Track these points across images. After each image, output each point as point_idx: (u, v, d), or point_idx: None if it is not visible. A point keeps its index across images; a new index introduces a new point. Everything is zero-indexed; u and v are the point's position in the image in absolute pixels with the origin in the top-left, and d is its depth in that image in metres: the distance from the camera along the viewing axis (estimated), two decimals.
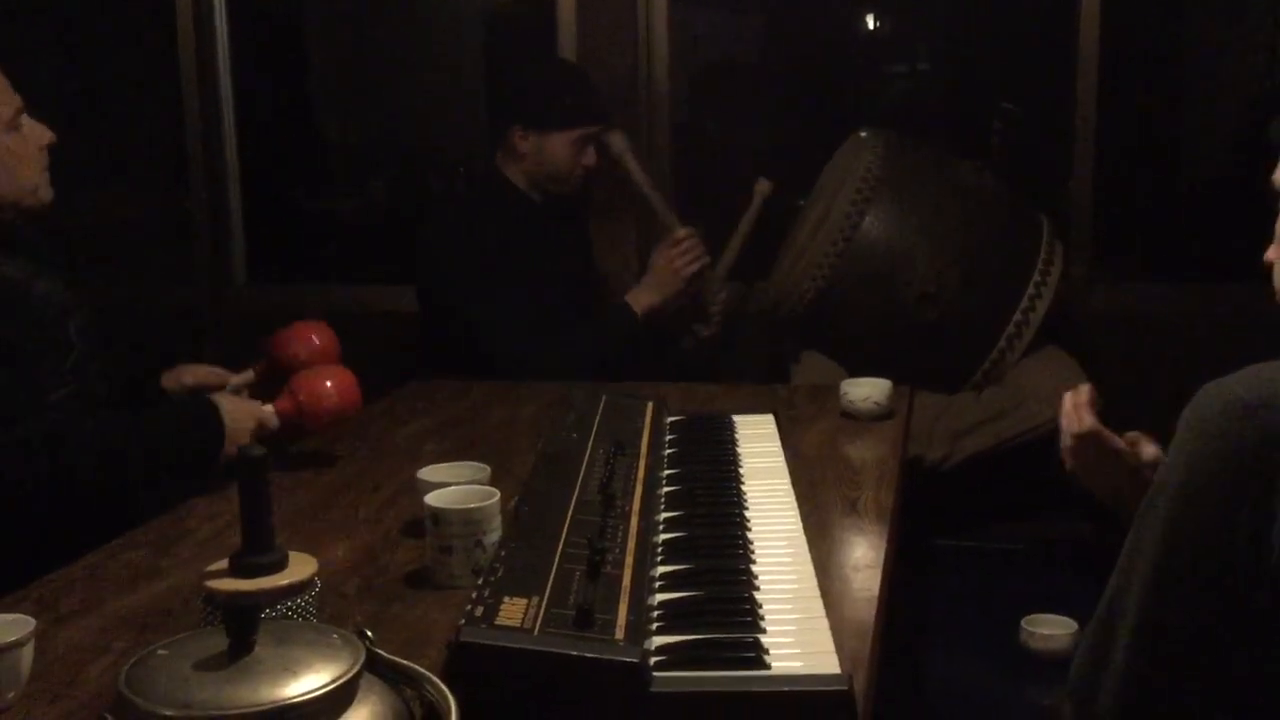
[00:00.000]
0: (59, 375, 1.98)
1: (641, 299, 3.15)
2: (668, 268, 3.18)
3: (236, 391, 2.30)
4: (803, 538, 1.75)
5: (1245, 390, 1.20)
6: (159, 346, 2.55)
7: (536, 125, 3.10)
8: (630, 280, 3.32)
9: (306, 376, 2.23)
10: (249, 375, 2.35)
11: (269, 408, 2.19)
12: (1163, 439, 1.71)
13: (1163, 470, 1.26)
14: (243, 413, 2.16)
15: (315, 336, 2.34)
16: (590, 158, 3.15)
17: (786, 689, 1.27)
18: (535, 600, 1.35)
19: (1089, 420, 1.73)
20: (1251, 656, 1.21)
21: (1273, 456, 1.16)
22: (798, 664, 1.36)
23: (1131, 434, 1.73)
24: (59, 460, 1.97)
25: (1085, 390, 1.77)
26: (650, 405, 2.27)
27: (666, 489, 1.91)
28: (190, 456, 2.10)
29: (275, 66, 4.58)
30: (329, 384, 2.22)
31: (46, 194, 2.16)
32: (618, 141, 3.29)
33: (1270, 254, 1.45)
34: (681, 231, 3.22)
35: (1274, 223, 1.44)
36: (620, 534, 1.60)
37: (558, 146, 3.11)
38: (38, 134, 2.15)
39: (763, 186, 3.37)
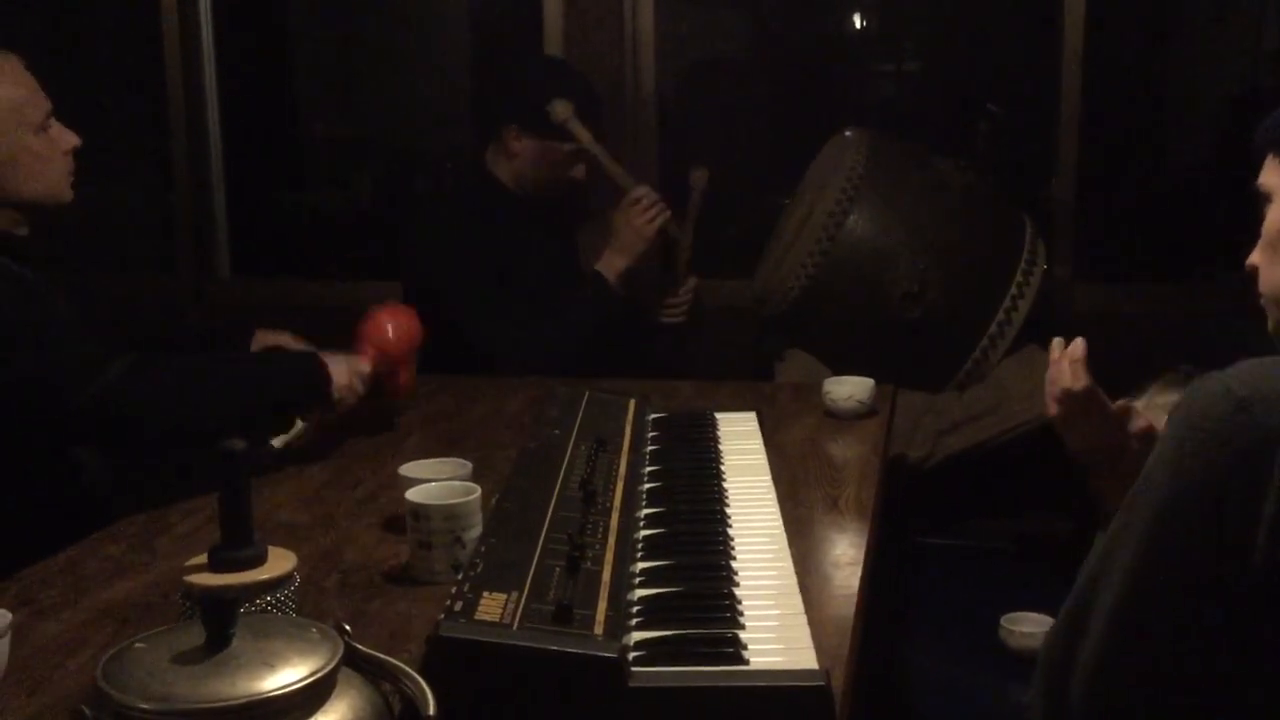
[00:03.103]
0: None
1: (612, 264, 3.09)
2: (629, 226, 3.10)
3: None
4: (783, 534, 1.75)
5: (1239, 384, 1.19)
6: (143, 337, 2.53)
7: (534, 129, 3.08)
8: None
9: (367, 325, 2.40)
10: None
11: (356, 357, 2.33)
12: None
13: (1152, 462, 1.24)
14: (339, 362, 2.28)
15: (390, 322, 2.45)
16: (581, 173, 3.12)
17: (764, 684, 1.28)
18: (515, 595, 1.35)
19: (1085, 378, 1.73)
20: (1226, 654, 1.21)
21: (1264, 452, 1.15)
22: (776, 660, 1.36)
23: (1123, 401, 1.74)
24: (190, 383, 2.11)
25: (1080, 345, 1.77)
26: (632, 402, 2.27)
27: (648, 485, 1.91)
28: (302, 394, 2.24)
29: (260, 61, 4.56)
30: (384, 316, 2.41)
31: (66, 196, 2.19)
32: (561, 109, 3.10)
33: (1253, 258, 1.44)
34: (638, 190, 3.16)
35: (1258, 227, 1.44)
36: (601, 530, 1.61)
37: (550, 155, 3.09)
38: (64, 138, 2.18)
39: (698, 177, 3.33)
